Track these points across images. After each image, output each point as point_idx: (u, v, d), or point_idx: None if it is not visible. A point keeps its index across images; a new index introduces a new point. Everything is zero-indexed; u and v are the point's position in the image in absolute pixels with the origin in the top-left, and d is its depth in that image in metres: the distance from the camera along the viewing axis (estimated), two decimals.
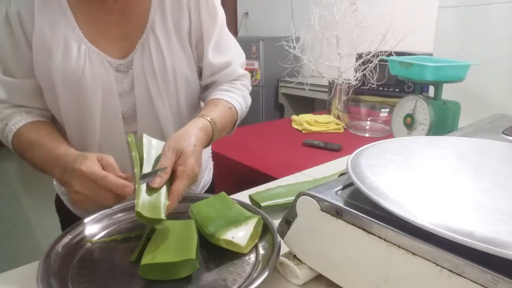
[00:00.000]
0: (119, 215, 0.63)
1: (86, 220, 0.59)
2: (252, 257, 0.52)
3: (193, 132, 0.62)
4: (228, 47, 0.78)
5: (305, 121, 1.50)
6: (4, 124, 0.67)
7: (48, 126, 0.69)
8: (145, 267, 0.46)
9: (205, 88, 0.82)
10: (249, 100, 0.82)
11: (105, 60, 0.67)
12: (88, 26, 0.67)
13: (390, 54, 1.29)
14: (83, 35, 0.66)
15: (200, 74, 0.79)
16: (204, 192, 0.93)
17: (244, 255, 0.52)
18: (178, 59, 0.71)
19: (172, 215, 0.54)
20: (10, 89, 0.68)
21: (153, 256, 0.47)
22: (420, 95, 0.92)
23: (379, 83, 1.66)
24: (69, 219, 0.84)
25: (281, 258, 0.50)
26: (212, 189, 0.97)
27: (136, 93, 0.70)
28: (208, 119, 0.67)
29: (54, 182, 0.85)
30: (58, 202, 0.87)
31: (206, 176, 0.94)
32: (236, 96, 0.76)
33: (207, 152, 0.94)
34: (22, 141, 0.65)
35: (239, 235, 0.53)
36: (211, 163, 0.99)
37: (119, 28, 0.69)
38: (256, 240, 0.55)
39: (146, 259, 0.47)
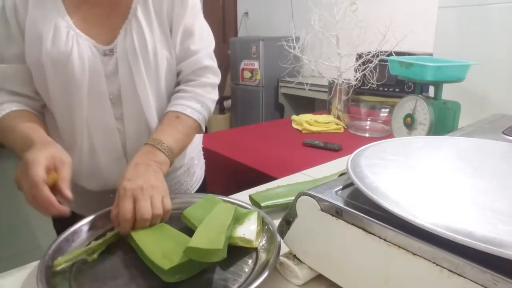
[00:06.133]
0: None
1: (86, 219, 0.59)
2: (252, 257, 0.52)
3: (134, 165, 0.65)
4: (196, 35, 0.79)
5: (305, 121, 1.50)
6: None
7: (31, 115, 0.72)
8: (190, 250, 0.46)
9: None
10: (209, 96, 0.80)
11: (92, 45, 0.71)
12: (78, 16, 0.71)
13: (390, 54, 1.29)
14: (72, 23, 0.70)
15: None
16: (197, 189, 0.94)
17: (244, 255, 0.52)
18: (159, 42, 0.74)
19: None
20: (2, 75, 0.72)
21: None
22: (420, 95, 0.92)
23: (379, 83, 1.66)
24: (65, 218, 0.84)
25: (281, 258, 0.50)
26: (204, 186, 0.98)
27: (120, 75, 0.73)
28: (159, 146, 0.69)
29: None
30: None
31: (199, 171, 0.96)
32: (185, 102, 0.77)
33: (196, 149, 0.94)
34: (4, 126, 0.70)
35: (248, 231, 0.54)
36: (203, 160, 1.00)
37: (107, 18, 0.73)
38: (261, 234, 0.55)
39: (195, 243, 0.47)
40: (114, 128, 0.75)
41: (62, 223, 0.87)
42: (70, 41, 0.69)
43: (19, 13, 0.69)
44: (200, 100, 0.78)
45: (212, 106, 0.81)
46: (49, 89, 0.72)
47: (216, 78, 0.83)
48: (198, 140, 0.95)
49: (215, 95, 0.82)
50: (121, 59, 0.72)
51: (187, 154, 0.89)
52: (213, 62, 0.82)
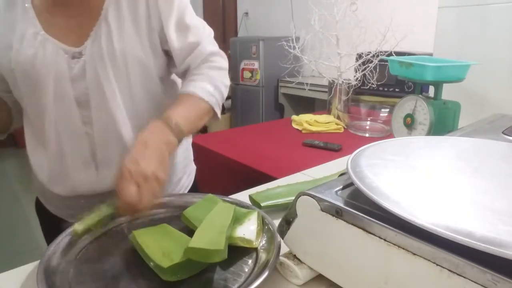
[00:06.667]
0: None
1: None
2: (252, 257, 0.52)
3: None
4: (192, 27, 0.77)
5: (305, 121, 1.50)
6: None
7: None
8: (190, 250, 0.46)
9: (183, 75, 0.81)
10: (221, 79, 0.78)
11: (60, 48, 0.71)
12: (47, 19, 0.71)
13: (390, 54, 1.29)
14: (41, 28, 0.70)
15: (166, 61, 0.79)
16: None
17: (244, 255, 0.52)
18: (131, 45, 0.72)
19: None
20: None
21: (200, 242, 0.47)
22: (420, 95, 0.92)
23: (379, 83, 1.66)
24: (49, 221, 0.85)
25: (281, 258, 0.50)
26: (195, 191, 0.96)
27: (87, 78, 0.72)
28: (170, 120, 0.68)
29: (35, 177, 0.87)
30: (38, 204, 0.88)
31: (186, 179, 0.93)
32: (197, 83, 0.74)
33: (182, 156, 0.91)
34: None
35: (248, 231, 0.54)
36: (192, 167, 0.98)
37: (76, 21, 0.72)
38: (261, 234, 0.55)
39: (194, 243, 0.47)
40: (82, 132, 0.74)
41: (47, 225, 0.88)
42: (36, 46, 0.69)
43: None
44: (213, 82, 0.75)
45: (225, 91, 0.79)
46: (19, 93, 0.73)
47: (225, 62, 0.81)
48: (185, 146, 0.92)
49: (227, 80, 0.80)
50: (88, 63, 0.71)
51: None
52: (217, 48, 0.81)
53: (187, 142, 0.95)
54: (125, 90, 0.74)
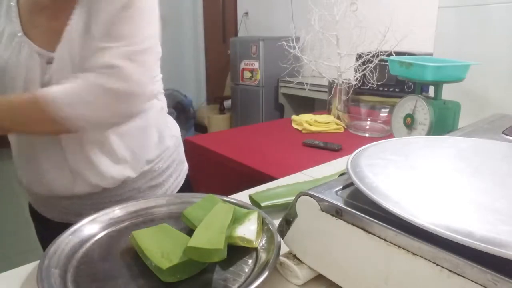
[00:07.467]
0: (119, 215, 0.63)
1: (84, 220, 0.59)
2: (252, 257, 0.52)
3: None
4: (117, 30, 0.67)
5: (305, 121, 1.50)
6: None
7: None
8: (191, 249, 0.46)
9: None
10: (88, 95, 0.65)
11: (36, 51, 0.69)
12: (28, 20, 0.70)
13: (390, 54, 1.29)
14: (20, 28, 0.69)
15: None
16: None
17: (244, 255, 0.52)
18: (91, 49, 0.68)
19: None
20: None
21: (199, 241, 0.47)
22: (420, 95, 0.92)
23: (379, 83, 1.66)
24: (43, 225, 0.85)
25: (281, 258, 0.50)
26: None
27: (53, 84, 0.68)
28: None
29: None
30: (30, 207, 0.89)
31: (172, 182, 0.91)
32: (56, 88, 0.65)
33: (165, 162, 0.89)
34: None
35: (248, 230, 0.54)
36: (180, 170, 0.96)
37: (52, 22, 0.70)
38: (261, 234, 0.55)
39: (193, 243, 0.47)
40: (52, 138, 0.73)
41: (40, 228, 0.88)
42: (10, 48, 0.68)
43: None
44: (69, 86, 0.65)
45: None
46: None
47: (111, 82, 0.67)
48: (173, 148, 0.91)
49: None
50: (56, 68, 0.69)
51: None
52: (124, 64, 0.66)
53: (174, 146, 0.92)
54: None
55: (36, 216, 0.87)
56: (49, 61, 0.69)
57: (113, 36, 0.66)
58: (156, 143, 0.85)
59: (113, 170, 0.77)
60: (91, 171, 0.75)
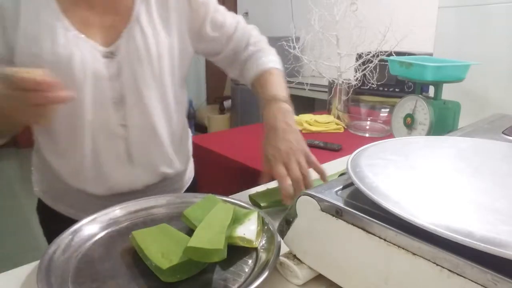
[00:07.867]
0: (119, 215, 0.63)
1: (84, 220, 0.59)
2: (252, 257, 0.52)
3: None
4: (225, 21, 0.85)
5: (305, 121, 1.50)
6: None
7: None
8: (190, 249, 0.46)
9: (229, 63, 0.93)
10: (269, 47, 0.94)
11: (93, 47, 0.70)
12: (74, 15, 0.69)
13: (390, 54, 1.29)
14: (69, 24, 0.68)
15: (190, 62, 0.84)
16: (187, 189, 0.94)
17: (244, 255, 0.52)
18: (162, 46, 0.74)
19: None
20: None
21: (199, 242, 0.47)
22: (420, 95, 0.92)
23: (379, 83, 1.66)
24: (52, 220, 0.84)
25: (281, 258, 0.50)
26: (195, 185, 0.99)
27: (123, 78, 0.72)
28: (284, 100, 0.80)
29: (33, 178, 0.87)
30: (41, 204, 0.87)
31: (188, 173, 0.97)
32: (266, 58, 0.87)
33: (186, 149, 0.95)
34: None
35: (248, 230, 0.54)
36: (191, 166, 1.00)
37: (104, 18, 0.71)
38: (261, 234, 0.55)
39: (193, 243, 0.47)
40: (117, 132, 0.73)
41: (48, 223, 0.87)
42: (69, 44, 0.67)
43: (5, 10, 0.65)
44: (272, 52, 0.89)
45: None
46: None
47: (254, 29, 0.93)
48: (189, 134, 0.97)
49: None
50: (124, 63, 0.71)
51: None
52: (241, 20, 0.90)
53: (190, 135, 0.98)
54: (160, 91, 0.76)
55: (46, 212, 0.85)
56: (106, 56, 0.70)
57: (227, 21, 0.86)
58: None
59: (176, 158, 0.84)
60: (152, 162, 0.80)
